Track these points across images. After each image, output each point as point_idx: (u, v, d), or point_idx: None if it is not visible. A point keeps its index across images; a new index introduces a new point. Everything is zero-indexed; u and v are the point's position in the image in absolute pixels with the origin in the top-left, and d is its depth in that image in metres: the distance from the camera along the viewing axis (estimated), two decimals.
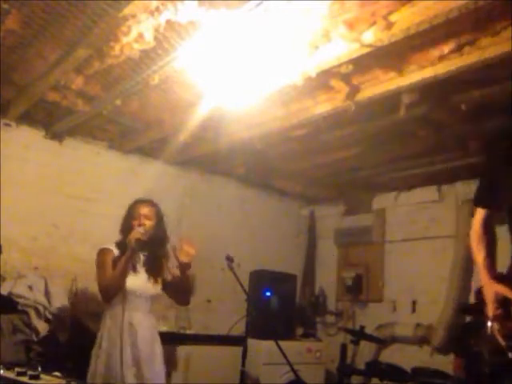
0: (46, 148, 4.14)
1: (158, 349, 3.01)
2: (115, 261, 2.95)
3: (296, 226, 5.83)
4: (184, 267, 2.96)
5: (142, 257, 3.06)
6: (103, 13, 2.42)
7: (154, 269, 3.05)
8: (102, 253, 3.01)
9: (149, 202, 3.13)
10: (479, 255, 2.28)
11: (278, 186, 5.45)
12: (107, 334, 2.90)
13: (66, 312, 3.72)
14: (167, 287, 3.11)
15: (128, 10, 2.36)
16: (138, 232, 2.93)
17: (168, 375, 3.84)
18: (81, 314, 3.82)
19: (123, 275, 2.88)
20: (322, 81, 3.01)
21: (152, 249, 3.07)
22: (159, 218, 3.12)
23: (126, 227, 3.05)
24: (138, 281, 2.98)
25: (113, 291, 2.89)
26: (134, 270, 2.99)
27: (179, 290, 3.11)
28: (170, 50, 2.70)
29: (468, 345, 3.76)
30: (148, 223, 3.03)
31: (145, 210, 3.07)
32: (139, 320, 2.94)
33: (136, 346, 2.87)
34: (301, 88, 3.00)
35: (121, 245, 3.01)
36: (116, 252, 3.01)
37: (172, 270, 3.12)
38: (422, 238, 4.87)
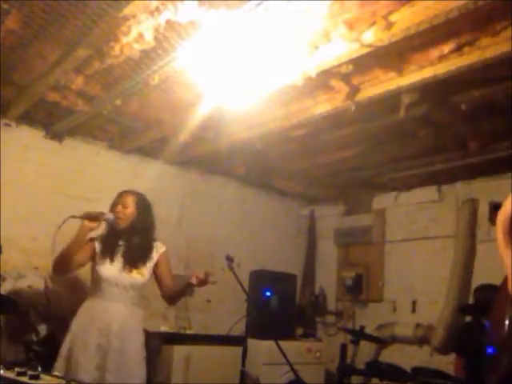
0: (46, 148, 4.14)
1: (133, 343, 2.91)
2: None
3: (296, 226, 5.83)
4: (190, 287, 3.03)
5: (120, 246, 3.01)
6: (103, 13, 2.42)
7: (132, 258, 2.98)
8: None
9: (130, 191, 3.11)
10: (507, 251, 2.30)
11: (278, 186, 5.45)
12: (77, 320, 2.91)
13: (66, 312, 3.71)
14: (162, 286, 3.10)
15: (128, 9, 2.36)
16: (93, 214, 2.95)
17: (167, 375, 3.86)
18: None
19: (70, 251, 2.91)
20: (322, 81, 3.01)
21: (130, 237, 3.01)
22: (141, 207, 3.07)
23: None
24: (112, 269, 2.93)
25: (57, 261, 2.94)
26: (111, 259, 2.96)
27: (172, 296, 3.12)
28: (170, 50, 2.71)
29: (467, 344, 3.77)
30: (126, 212, 3.01)
31: (124, 199, 3.06)
32: (115, 310, 2.89)
33: (105, 336, 2.82)
34: (301, 88, 3.00)
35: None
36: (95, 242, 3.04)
37: (169, 275, 3.11)
38: (422, 238, 4.87)
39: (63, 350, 2.84)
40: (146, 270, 3.02)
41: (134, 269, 2.98)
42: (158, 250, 3.10)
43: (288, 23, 2.43)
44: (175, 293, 3.12)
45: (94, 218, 2.94)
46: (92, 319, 2.87)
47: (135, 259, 2.99)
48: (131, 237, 3.01)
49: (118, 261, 2.98)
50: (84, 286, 4.02)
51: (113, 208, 3.05)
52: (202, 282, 2.95)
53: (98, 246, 3.03)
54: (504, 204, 2.51)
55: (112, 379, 2.76)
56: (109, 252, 2.98)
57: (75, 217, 2.93)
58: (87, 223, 2.92)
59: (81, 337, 2.84)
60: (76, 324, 2.91)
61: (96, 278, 2.96)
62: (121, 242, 3.02)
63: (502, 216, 2.49)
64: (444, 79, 2.77)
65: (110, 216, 2.98)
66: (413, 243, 4.95)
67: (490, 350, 2.47)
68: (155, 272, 3.08)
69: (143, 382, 2.92)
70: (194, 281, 2.94)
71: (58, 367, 2.77)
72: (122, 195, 3.10)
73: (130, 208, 3.04)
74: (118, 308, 2.90)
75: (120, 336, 2.85)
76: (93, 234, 3.06)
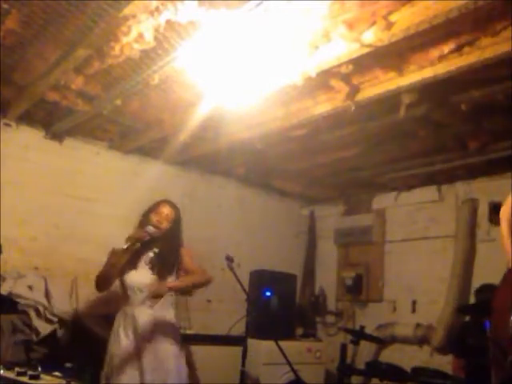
0: (46, 148, 4.14)
1: (165, 344, 2.99)
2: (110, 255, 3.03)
3: (296, 226, 5.83)
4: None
5: (149, 254, 3.10)
6: (103, 13, 2.42)
7: (160, 267, 3.06)
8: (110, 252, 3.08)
9: (170, 203, 3.22)
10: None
11: (278, 186, 5.45)
12: (114, 329, 3.01)
13: (66, 312, 3.72)
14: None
15: (128, 9, 2.36)
16: (141, 232, 3.02)
17: None
18: (81, 314, 3.82)
19: (112, 267, 2.97)
20: (322, 81, 3.01)
21: (161, 248, 3.10)
22: (177, 221, 3.20)
23: (144, 221, 3.12)
24: (137, 276, 3.03)
25: (100, 280, 3.00)
26: (135, 266, 3.05)
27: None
28: (170, 50, 2.70)
29: (467, 345, 3.77)
30: (165, 224, 3.11)
31: (167, 211, 3.16)
32: (140, 314, 2.97)
33: (136, 340, 2.92)
34: (301, 88, 3.00)
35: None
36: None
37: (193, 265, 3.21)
38: (422, 238, 4.87)
39: (107, 358, 2.97)
40: (172, 277, 3.09)
41: (162, 277, 3.05)
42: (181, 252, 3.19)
43: (288, 23, 2.43)
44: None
45: (138, 239, 3.03)
46: (123, 325, 2.97)
47: (161, 268, 3.06)
48: (162, 246, 3.10)
49: (144, 268, 3.06)
50: (85, 286, 4.03)
51: (155, 213, 3.13)
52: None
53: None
54: (507, 200, 2.52)
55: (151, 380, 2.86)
56: (135, 260, 3.05)
57: (127, 248, 2.99)
58: (131, 246, 3.00)
59: (116, 344, 2.94)
60: (112, 332, 3.02)
61: (123, 286, 3.05)
62: (150, 250, 3.09)
63: (505, 210, 2.50)
64: (444, 79, 2.77)
65: (151, 229, 3.05)
66: (413, 243, 4.95)
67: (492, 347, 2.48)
68: (183, 269, 3.16)
69: (184, 380, 3.02)
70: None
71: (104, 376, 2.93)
72: (163, 205, 3.18)
73: (170, 223, 3.14)
74: (141, 311, 2.99)
75: (148, 339, 2.93)
76: None
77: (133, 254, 3.04)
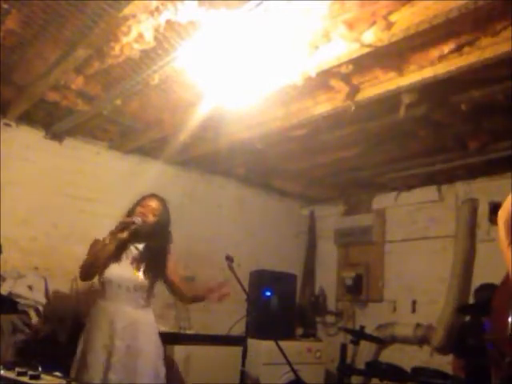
0: (46, 148, 4.14)
1: (143, 343, 2.90)
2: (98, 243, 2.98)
3: (296, 226, 5.83)
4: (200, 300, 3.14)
5: (133, 248, 3.02)
6: (103, 13, 2.42)
7: (145, 262, 2.98)
8: (93, 241, 3.03)
9: (159, 197, 3.15)
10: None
11: (278, 186, 5.45)
12: (88, 324, 2.94)
13: (66, 312, 3.72)
14: (174, 290, 3.14)
15: (128, 9, 2.36)
16: (129, 220, 2.95)
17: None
18: (81, 314, 3.81)
19: (98, 255, 2.90)
20: (322, 81, 3.01)
21: (148, 242, 3.02)
22: (164, 216, 3.11)
23: (129, 212, 3.06)
24: (119, 271, 2.93)
25: (85, 269, 2.93)
26: (118, 260, 2.95)
27: (185, 302, 3.21)
28: (170, 50, 2.71)
29: (467, 344, 3.77)
30: (152, 217, 3.03)
31: (154, 204, 3.09)
32: (118, 311, 2.89)
33: (109, 336, 2.83)
34: (301, 88, 3.00)
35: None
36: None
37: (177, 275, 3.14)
38: (422, 238, 4.87)
39: (78, 354, 2.89)
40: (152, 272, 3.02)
41: (147, 272, 2.98)
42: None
43: (288, 23, 2.43)
44: (190, 299, 3.22)
45: (125, 228, 2.94)
46: (99, 321, 2.89)
47: (150, 264, 3.00)
48: (149, 241, 3.03)
49: (126, 262, 2.98)
50: (85, 286, 4.03)
51: (142, 207, 3.06)
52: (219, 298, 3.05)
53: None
54: (505, 203, 2.52)
55: (117, 379, 2.77)
56: (119, 254, 2.98)
57: (112, 234, 2.93)
58: (120, 234, 2.93)
59: (90, 339, 2.86)
60: (86, 331, 2.94)
61: (102, 280, 2.96)
62: (134, 245, 3.02)
63: (503, 213, 2.50)
64: (444, 79, 2.77)
65: (139, 221, 2.98)
66: (413, 243, 4.95)
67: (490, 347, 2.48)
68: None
69: (161, 380, 2.95)
70: (211, 298, 3.05)
71: (72, 371, 2.83)
72: (151, 199, 3.11)
73: (155, 215, 3.06)
74: (121, 309, 2.91)
75: (124, 336, 2.85)
76: None
77: (116, 247, 2.94)
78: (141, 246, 3.04)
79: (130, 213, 3.07)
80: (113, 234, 2.91)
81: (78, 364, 2.83)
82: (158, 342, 3.03)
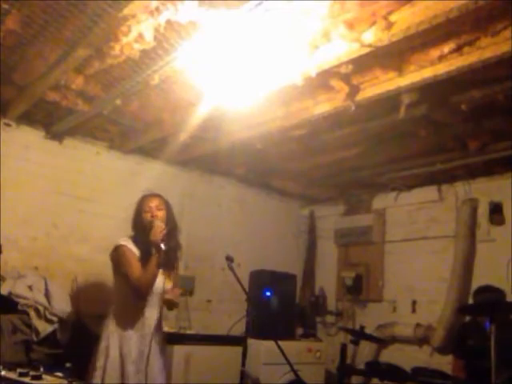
0: (46, 148, 4.13)
1: (164, 346, 3.02)
2: (136, 257, 2.93)
3: (296, 226, 5.83)
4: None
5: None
6: (103, 13, 2.42)
7: (169, 263, 3.02)
8: (123, 250, 2.93)
9: (156, 195, 3.13)
10: None
11: (278, 186, 5.45)
12: (115, 332, 2.90)
13: (66, 312, 3.72)
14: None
15: (128, 9, 2.36)
16: (160, 228, 2.88)
17: (167, 375, 3.86)
18: (81, 314, 3.82)
19: (155, 277, 2.87)
20: (322, 81, 3.01)
21: (167, 242, 2.98)
22: (170, 210, 3.11)
23: (139, 221, 3.02)
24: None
25: (147, 290, 2.89)
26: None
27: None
28: (170, 50, 2.70)
29: (467, 345, 3.77)
30: (160, 214, 3.01)
31: (155, 202, 3.06)
32: (152, 316, 2.95)
33: (148, 342, 2.86)
34: (301, 88, 3.00)
35: (139, 242, 2.96)
36: (135, 249, 2.95)
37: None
38: (422, 238, 4.87)
39: (111, 360, 2.85)
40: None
41: (171, 274, 3.04)
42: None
43: (288, 23, 2.43)
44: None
45: (162, 238, 2.90)
46: (134, 328, 2.90)
47: (171, 263, 3.03)
48: (167, 240, 2.97)
49: None
50: (84, 286, 4.03)
51: (146, 212, 3.02)
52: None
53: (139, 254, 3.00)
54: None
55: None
56: (145, 258, 2.93)
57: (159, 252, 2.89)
58: (162, 248, 2.87)
59: (127, 347, 2.86)
60: (116, 335, 2.90)
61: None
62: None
63: None
64: (444, 79, 2.77)
65: (162, 224, 2.93)
66: (413, 243, 4.95)
67: None
68: None
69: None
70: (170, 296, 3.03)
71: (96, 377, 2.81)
72: (149, 199, 3.08)
73: (163, 211, 3.04)
74: (154, 314, 2.96)
75: (159, 341, 2.94)
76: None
77: (145, 250, 2.92)
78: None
79: (138, 222, 3.03)
80: (158, 250, 2.86)
81: (116, 372, 2.81)
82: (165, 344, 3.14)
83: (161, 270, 2.93)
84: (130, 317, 2.92)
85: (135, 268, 2.87)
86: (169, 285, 3.04)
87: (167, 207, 3.09)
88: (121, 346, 2.86)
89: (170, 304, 3.06)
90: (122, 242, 2.96)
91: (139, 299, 2.91)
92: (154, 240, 2.85)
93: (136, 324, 2.90)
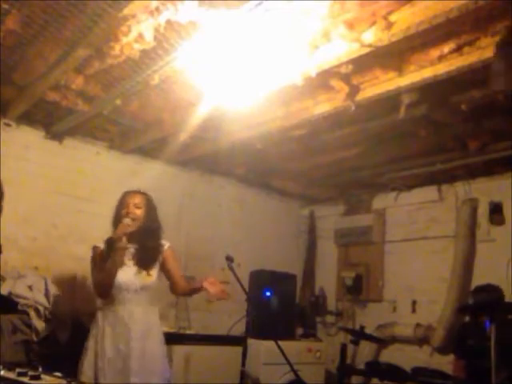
0: (46, 148, 4.13)
1: (153, 343, 2.94)
2: (102, 257, 2.94)
3: (296, 226, 5.83)
4: (198, 291, 3.07)
5: (131, 249, 3.02)
6: (103, 13, 2.42)
7: (144, 261, 2.99)
8: (93, 251, 3.03)
9: (138, 192, 3.10)
10: None
11: (278, 186, 5.45)
12: (97, 330, 2.92)
13: (66, 312, 3.72)
14: (173, 281, 3.12)
15: (128, 9, 2.36)
16: (123, 226, 2.91)
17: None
18: (81, 314, 3.81)
19: (111, 273, 2.88)
20: (322, 81, 3.01)
21: (142, 240, 3.01)
22: (150, 208, 3.08)
23: (115, 218, 3.03)
24: (125, 275, 2.94)
25: (103, 289, 2.91)
26: (122, 263, 2.95)
27: (184, 294, 3.19)
28: (170, 50, 2.70)
29: (467, 345, 3.77)
30: (138, 212, 3.00)
31: (134, 199, 3.04)
32: (130, 313, 2.91)
33: (125, 340, 2.84)
34: (301, 88, 3.00)
35: (108, 240, 2.98)
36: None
37: (177, 269, 3.14)
38: (422, 238, 4.87)
39: (88, 359, 2.86)
40: (155, 270, 3.04)
41: (145, 270, 2.98)
42: (164, 246, 3.11)
43: (288, 23, 2.43)
44: (187, 291, 3.19)
45: (122, 236, 2.92)
46: (112, 325, 2.89)
47: (147, 261, 3.00)
48: (141, 239, 3.01)
49: (130, 264, 2.98)
50: (84, 286, 4.03)
51: (123, 209, 3.02)
52: (217, 294, 2.99)
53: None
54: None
55: (137, 381, 2.79)
56: (123, 261, 2.96)
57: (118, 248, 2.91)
58: (121, 245, 2.90)
59: (100, 344, 2.86)
60: (94, 333, 2.92)
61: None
62: (129, 245, 3.00)
63: None
64: (444, 79, 2.77)
65: (128, 221, 2.95)
66: (413, 243, 4.95)
67: None
68: (163, 269, 3.09)
69: (167, 381, 2.97)
70: (208, 287, 2.98)
71: (82, 377, 2.81)
72: (130, 196, 3.07)
73: (141, 209, 3.03)
74: (131, 310, 2.92)
75: (139, 338, 2.87)
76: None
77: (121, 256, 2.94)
78: (137, 245, 3.03)
79: (116, 217, 3.04)
80: (116, 248, 2.88)
81: (91, 370, 2.82)
82: (163, 342, 3.07)
83: (135, 268, 2.93)
84: (105, 315, 2.93)
85: (94, 268, 2.95)
86: (147, 278, 2.98)
87: (148, 205, 3.07)
88: (97, 344, 2.87)
89: (213, 296, 3.03)
90: (97, 244, 3.03)
91: (99, 297, 2.98)
92: (113, 237, 2.89)
93: (111, 322, 2.89)
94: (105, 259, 2.92)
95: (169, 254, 3.12)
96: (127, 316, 2.90)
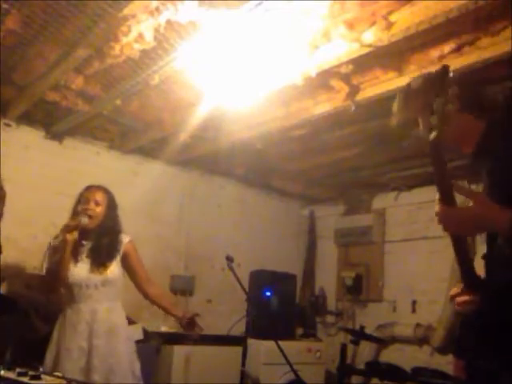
0: (46, 148, 4.14)
1: (117, 339, 2.85)
2: (53, 250, 2.88)
3: (296, 225, 5.83)
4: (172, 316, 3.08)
5: (87, 246, 2.92)
6: (103, 13, 2.42)
7: (100, 256, 2.88)
8: (47, 246, 2.96)
9: (101, 188, 3.02)
10: None
11: (278, 186, 5.45)
12: (57, 328, 2.87)
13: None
14: (135, 277, 3.03)
15: (128, 9, 2.36)
16: (75, 220, 2.84)
17: (167, 375, 3.86)
18: None
19: (56, 272, 2.80)
20: (322, 81, 3.01)
21: (99, 237, 2.91)
22: (111, 207, 2.99)
23: (74, 213, 2.94)
24: (81, 271, 2.85)
25: (51, 283, 2.86)
26: (76, 260, 2.87)
27: (152, 301, 3.08)
28: (170, 50, 2.71)
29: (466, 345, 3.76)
30: (98, 210, 2.92)
31: (95, 195, 2.95)
32: (93, 311, 2.83)
33: (87, 337, 2.77)
34: (301, 88, 3.00)
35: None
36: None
37: (139, 265, 3.05)
38: (422, 238, 4.87)
39: (48, 358, 2.81)
40: (115, 264, 2.92)
41: (102, 266, 2.88)
42: (123, 241, 2.98)
43: (288, 23, 2.43)
44: (160, 304, 3.10)
45: (73, 228, 2.83)
46: (71, 324, 2.82)
47: (103, 258, 2.89)
48: (99, 236, 2.90)
49: (84, 261, 2.88)
50: None
51: (82, 205, 2.93)
52: (189, 325, 2.96)
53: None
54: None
55: (100, 379, 2.71)
56: (74, 254, 2.87)
57: (57, 237, 2.87)
58: (69, 237, 2.80)
59: (63, 343, 2.80)
60: (57, 332, 2.87)
61: (66, 283, 2.85)
62: (85, 242, 2.91)
63: None
64: None
65: (85, 219, 2.86)
66: (413, 243, 4.95)
67: None
68: (125, 265, 2.98)
69: (137, 379, 2.88)
70: (181, 321, 2.97)
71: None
72: (92, 191, 2.98)
73: (101, 206, 2.94)
74: (96, 308, 2.84)
75: (101, 336, 2.79)
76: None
77: (73, 248, 2.84)
78: (93, 242, 2.93)
79: (74, 210, 2.96)
80: (63, 239, 2.81)
81: (53, 368, 2.72)
82: (130, 338, 2.97)
83: (88, 266, 2.86)
84: (68, 312, 2.86)
85: (43, 260, 2.91)
86: (106, 274, 2.88)
87: (108, 203, 2.98)
88: (60, 340, 2.82)
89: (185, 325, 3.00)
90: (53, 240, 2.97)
91: (47, 291, 2.97)
92: (59, 234, 2.83)
93: (73, 319, 2.82)
94: (55, 252, 2.85)
95: (129, 247, 2.99)
96: (89, 313, 2.82)
